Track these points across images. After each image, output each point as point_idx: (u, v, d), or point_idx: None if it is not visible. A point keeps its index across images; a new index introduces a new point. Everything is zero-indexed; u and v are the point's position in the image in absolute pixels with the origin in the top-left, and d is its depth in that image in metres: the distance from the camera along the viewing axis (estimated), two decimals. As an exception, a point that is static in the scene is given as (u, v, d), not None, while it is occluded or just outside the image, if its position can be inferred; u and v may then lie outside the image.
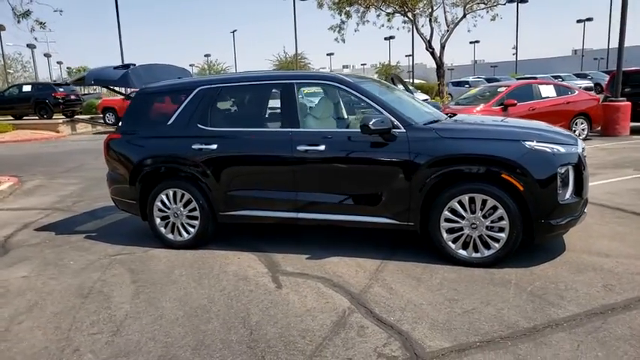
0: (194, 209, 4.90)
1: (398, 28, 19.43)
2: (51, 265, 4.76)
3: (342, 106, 5.45)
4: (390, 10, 16.86)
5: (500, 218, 4.01)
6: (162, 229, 5.07)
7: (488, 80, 32.76)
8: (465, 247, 4.16)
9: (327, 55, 74.28)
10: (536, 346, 2.89)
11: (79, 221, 6.45)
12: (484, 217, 4.06)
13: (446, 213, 4.14)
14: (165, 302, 3.77)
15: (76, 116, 25.06)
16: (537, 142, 4.01)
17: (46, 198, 8.06)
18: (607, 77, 34.04)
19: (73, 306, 3.78)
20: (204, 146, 4.75)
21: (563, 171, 3.97)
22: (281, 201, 4.63)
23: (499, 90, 10.97)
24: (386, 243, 4.82)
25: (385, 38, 50.22)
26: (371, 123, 4.10)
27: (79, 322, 3.51)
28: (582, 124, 11.17)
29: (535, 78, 24.67)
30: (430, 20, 16.23)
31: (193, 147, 4.78)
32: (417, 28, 16.66)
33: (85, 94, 34.41)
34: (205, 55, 69.51)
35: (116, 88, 5.91)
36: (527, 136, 4.08)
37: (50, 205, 7.53)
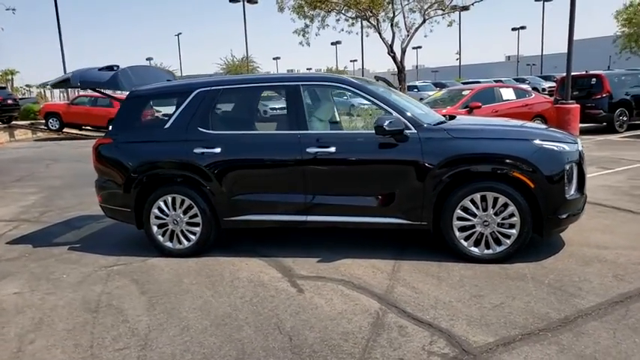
0: (195, 215, 4.73)
1: (357, 33, 19.83)
2: (42, 279, 4.45)
3: (336, 109, 5.46)
4: (352, 14, 17.11)
5: (511, 215, 4.14)
6: (160, 237, 4.85)
7: (436, 85, 33.87)
8: (476, 244, 4.26)
9: (274, 59, 74.11)
10: (576, 336, 3.00)
11: (55, 232, 6.06)
12: (495, 214, 4.17)
13: (458, 211, 4.22)
14: (185, 312, 3.61)
15: (14, 122, 23.60)
16: (544, 140, 4.18)
17: (8, 209, 7.53)
18: (543, 82, 36.09)
19: (85, 321, 3.55)
20: (206, 150, 4.60)
21: (568, 168, 4.15)
22: (289, 204, 4.56)
23: (463, 93, 11.36)
24: (392, 243, 4.84)
25: (332, 43, 50.69)
26: (385, 124, 4.12)
27: (99, 337, 3.29)
28: (539, 125, 11.73)
29: (479, 82, 25.72)
30: (392, 25, 16.60)
31: (195, 151, 4.62)
32: (379, 33, 16.96)
33: (21, 99, 32.45)
34: (147, 59, 67.32)
35: (106, 91, 5.60)
36: (535, 135, 4.24)
37: (15, 216, 7.04)
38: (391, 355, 2.89)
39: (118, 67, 5.29)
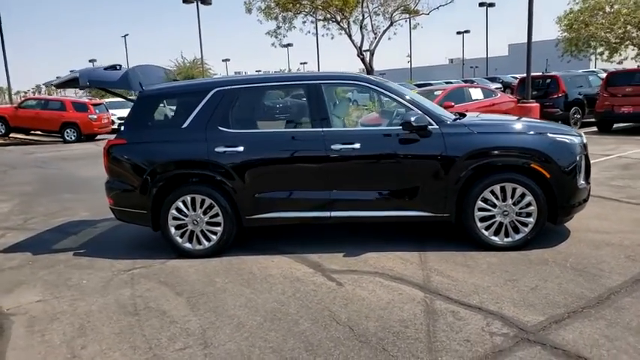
0: (216, 215, 4.69)
1: (324, 35, 19.94)
2: (60, 286, 4.28)
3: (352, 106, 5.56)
4: (320, 16, 17.25)
5: (529, 204, 4.38)
6: (179, 239, 4.78)
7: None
8: (496, 233, 4.48)
9: (223, 61, 73.04)
10: (617, 311, 3.25)
11: (50, 239, 5.81)
12: (514, 204, 4.41)
13: (479, 202, 4.43)
14: (232, 310, 3.60)
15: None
16: (556, 133, 4.47)
17: (-15, 218, 7.11)
18: (490, 83, 37.62)
19: (130, 324, 3.46)
20: (228, 149, 4.58)
21: (578, 159, 4.45)
22: (313, 200, 4.62)
23: (436, 93, 11.76)
24: (410, 236, 4.99)
25: (282, 45, 50.58)
26: (413, 120, 4.27)
27: (154, 339, 3.23)
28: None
29: (431, 84, 26.54)
30: (361, 27, 16.89)
31: (217, 150, 4.58)
32: (349, 36, 17.22)
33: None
34: (90, 61, 64.73)
35: (117, 91, 5.42)
36: (547, 129, 4.52)
37: (-4, 224, 6.67)
38: (456, 338, 3.03)
39: (120, 66, 5.16)
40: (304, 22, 18.19)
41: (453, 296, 3.61)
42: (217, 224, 4.72)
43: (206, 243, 4.76)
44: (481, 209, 4.44)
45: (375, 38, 16.99)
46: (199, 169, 4.67)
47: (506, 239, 4.47)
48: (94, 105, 20.42)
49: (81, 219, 6.67)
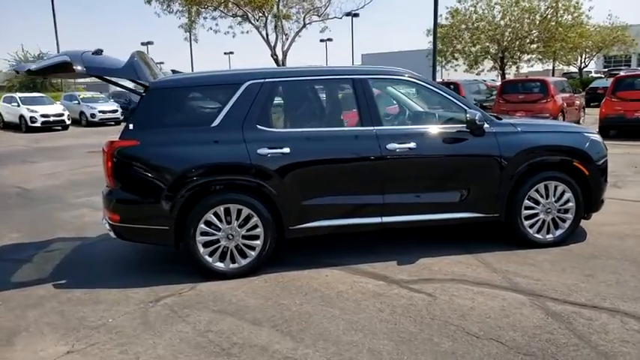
0: (254, 227, 4.05)
1: (242, 32, 18.81)
2: (83, 329, 3.33)
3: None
4: (233, 12, 16.27)
5: (567, 201, 4.53)
6: (209, 258, 4.03)
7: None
8: (539, 230, 4.56)
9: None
10: None
11: (10, 270, 4.54)
12: (556, 201, 4.53)
13: (526, 201, 4.46)
14: (344, 336, 3.10)
15: None
16: (590, 133, 4.69)
17: None
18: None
19: (236, 368, 2.78)
20: (272, 151, 3.98)
21: (606, 157, 4.72)
22: (365, 206, 4.24)
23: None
24: (446, 239, 4.83)
25: (194, 40, 47.38)
26: (477, 118, 4.15)
27: (289, 383, 2.62)
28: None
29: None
30: (276, 27, 16.30)
31: (259, 152, 3.96)
32: (266, 35, 16.55)
33: None
34: None
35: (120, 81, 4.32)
36: (580, 128, 4.72)
37: None
38: (612, 339, 2.93)
39: (102, 50, 4.19)
40: (214, 18, 17.18)
41: (555, 296, 3.54)
42: (255, 237, 4.08)
43: (242, 261, 4.09)
44: (527, 207, 4.48)
45: (287, 39, 16.73)
46: (239, 174, 3.99)
47: (547, 236, 4.56)
48: None
49: (16, 242, 5.36)
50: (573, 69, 41.89)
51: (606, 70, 44.28)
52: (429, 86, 4.49)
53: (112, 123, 23.01)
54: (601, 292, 3.58)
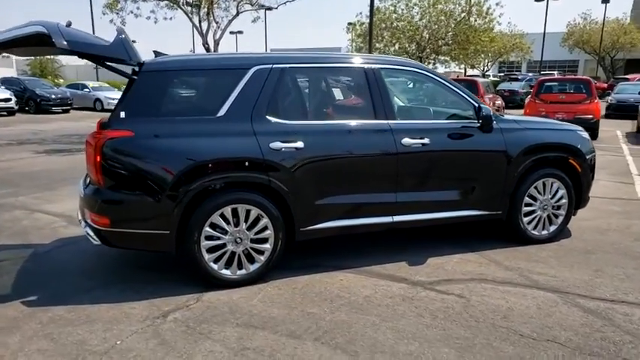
0: (263, 229, 3.67)
1: (165, 18, 17.24)
2: (89, 355, 2.78)
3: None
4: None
5: (561, 197, 4.64)
6: (214, 265, 3.59)
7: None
8: (535, 227, 4.61)
9: None
10: None
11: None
12: (551, 198, 4.61)
13: (526, 199, 4.49)
14: (397, 346, 2.86)
15: None
16: (581, 131, 4.82)
17: None
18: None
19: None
20: (286, 145, 3.62)
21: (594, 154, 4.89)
22: (377, 205, 4.01)
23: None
24: (441, 237, 4.75)
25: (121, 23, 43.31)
26: (491, 114, 4.08)
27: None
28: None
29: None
30: (208, 14, 15.25)
31: (271, 146, 3.58)
32: (198, 23, 15.45)
33: None
34: None
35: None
36: (575, 127, 4.83)
37: None
38: (657, 334, 2.99)
39: (70, 23, 3.56)
40: (135, 1, 15.81)
41: (580, 292, 3.56)
42: (264, 241, 3.70)
43: (250, 267, 3.69)
44: (526, 204, 4.52)
45: (219, 28, 15.84)
46: (250, 171, 3.57)
47: (543, 232, 4.63)
48: None
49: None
50: (476, 72, 44.67)
51: (502, 74, 47.81)
52: (440, 80, 4.34)
53: (5, 114, 19.38)
54: (619, 287, 3.66)
